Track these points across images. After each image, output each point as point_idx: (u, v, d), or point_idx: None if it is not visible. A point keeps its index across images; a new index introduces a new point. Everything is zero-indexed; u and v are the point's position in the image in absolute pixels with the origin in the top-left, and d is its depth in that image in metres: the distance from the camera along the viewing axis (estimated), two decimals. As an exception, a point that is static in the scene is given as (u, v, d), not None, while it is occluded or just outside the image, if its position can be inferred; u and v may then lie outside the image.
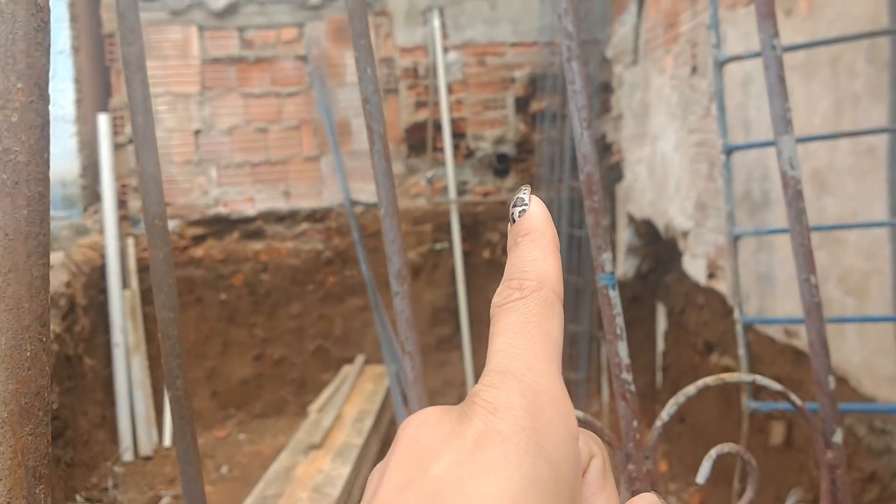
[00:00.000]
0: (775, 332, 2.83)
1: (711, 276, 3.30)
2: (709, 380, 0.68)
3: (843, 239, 2.32)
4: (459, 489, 0.26)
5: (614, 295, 0.70)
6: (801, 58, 2.34)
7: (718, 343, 3.52)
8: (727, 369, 3.44)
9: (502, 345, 0.31)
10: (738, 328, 1.91)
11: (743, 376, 0.68)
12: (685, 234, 3.46)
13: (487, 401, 0.29)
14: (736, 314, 1.94)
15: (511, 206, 0.36)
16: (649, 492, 0.34)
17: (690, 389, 0.68)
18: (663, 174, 3.68)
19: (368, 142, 0.66)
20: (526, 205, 0.35)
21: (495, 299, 0.33)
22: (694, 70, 3.24)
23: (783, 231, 1.66)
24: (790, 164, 0.73)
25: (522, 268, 0.33)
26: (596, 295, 4.73)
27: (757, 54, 1.35)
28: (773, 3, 0.75)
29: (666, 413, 0.68)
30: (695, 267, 3.41)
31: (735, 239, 1.78)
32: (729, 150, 1.45)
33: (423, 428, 0.30)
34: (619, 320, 0.69)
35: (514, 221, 0.35)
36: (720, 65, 1.32)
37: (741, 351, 1.93)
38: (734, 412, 3.43)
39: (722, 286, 3.21)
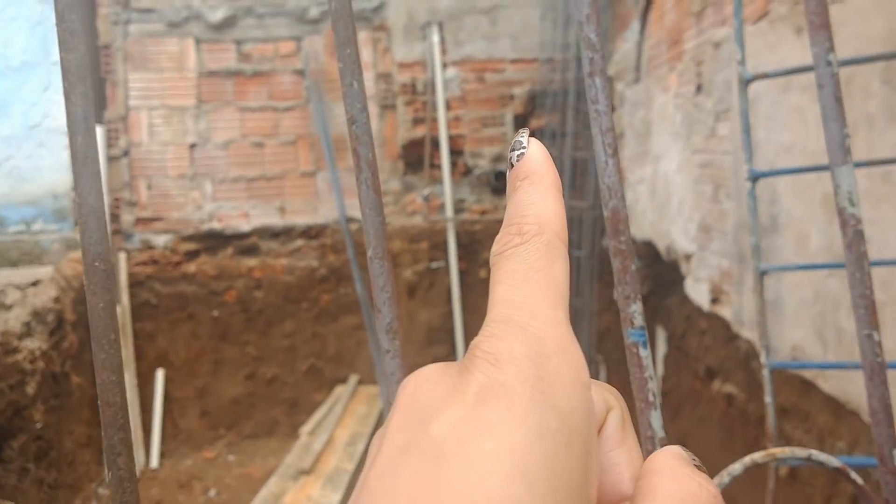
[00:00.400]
0: (782, 360, 2.71)
1: (715, 300, 3.18)
2: (756, 457, 0.57)
3: (857, 266, 2.20)
4: (462, 447, 0.25)
5: (646, 354, 0.58)
6: (811, 78, 2.24)
7: (720, 370, 3.40)
8: (729, 397, 3.33)
9: (503, 293, 0.29)
10: (765, 373, 1.78)
11: (797, 451, 0.57)
12: (688, 257, 3.35)
13: (488, 352, 0.27)
14: (763, 358, 1.82)
15: (509, 150, 0.34)
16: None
17: (736, 468, 0.56)
18: (665, 195, 3.57)
19: (355, 168, 0.55)
20: (524, 148, 0.34)
21: (494, 247, 0.32)
22: (699, 88, 3.14)
23: (821, 267, 1.54)
24: (850, 200, 0.61)
25: (522, 212, 0.32)
26: (595, 318, 4.64)
27: (796, 70, 1.24)
28: (827, 13, 0.63)
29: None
30: (698, 291, 3.30)
31: (762, 275, 1.65)
32: (755, 177, 1.33)
33: (422, 386, 0.28)
34: (652, 385, 0.58)
35: (512, 166, 0.34)
36: (746, 83, 1.21)
37: (768, 398, 1.80)
38: (736, 443, 3.31)
39: (726, 312, 3.10)
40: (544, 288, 0.29)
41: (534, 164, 0.33)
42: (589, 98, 0.60)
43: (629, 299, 0.59)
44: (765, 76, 1.25)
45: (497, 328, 0.28)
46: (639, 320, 0.59)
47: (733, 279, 2.97)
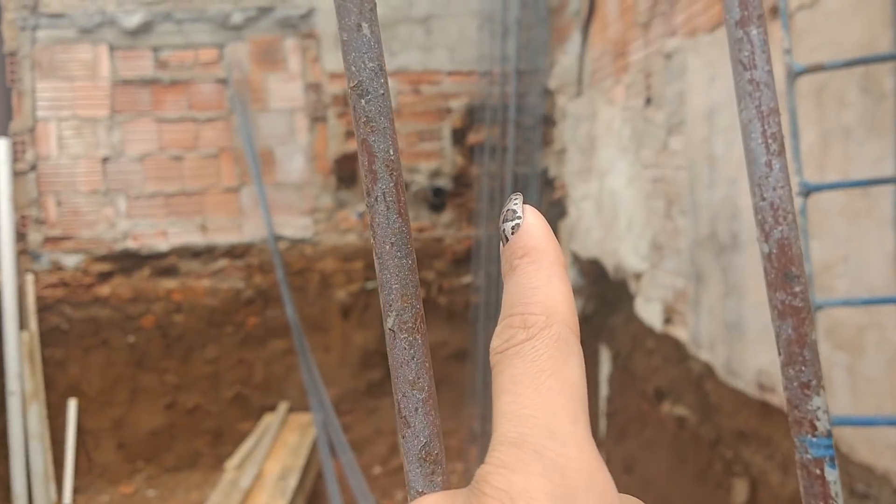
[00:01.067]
0: (746, 385, 2.56)
1: (668, 321, 3.03)
2: None
3: (830, 287, 2.06)
4: None
5: (833, 477, 0.36)
6: (780, 87, 2.09)
7: (670, 391, 3.26)
8: (680, 419, 3.19)
9: (511, 405, 0.25)
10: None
11: None
12: (638, 276, 3.19)
13: (501, 489, 0.23)
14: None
15: (501, 220, 0.29)
16: None
17: None
18: (612, 211, 3.41)
19: (366, 175, 0.32)
20: (520, 218, 0.29)
21: (494, 343, 0.27)
22: (648, 101, 3.00)
23: (886, 302, 1.33)
24: None
25: (524, 299, 0.27)
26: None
27: (861, 61, 1.05)
28: None
29: None
30: (648, 311, 3.14)
31: (815, 310, 1.42)
32: (808, 191, 1.14)
33: None
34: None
35: (506, 240, 0.29)
36: (795, 76, 1.01)
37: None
38: (688, 467, 3.17)
39: (680, 332, 2.94)
40: (560, 395, 0.25)
41: (533, 237, 0.28)
42: (737, 60, 0.37)
43: (808, 389, 0.37)
44: (820, 68, 1.06)
45: (508, 455, 0.24)
46: (823, 423, 0.37)
47: (688, 299, 2.82)
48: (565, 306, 0.27)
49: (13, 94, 4.54)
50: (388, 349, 0.33)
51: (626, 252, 3.31)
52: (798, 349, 0.36)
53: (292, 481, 3.66)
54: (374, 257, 0.32)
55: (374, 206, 0.31)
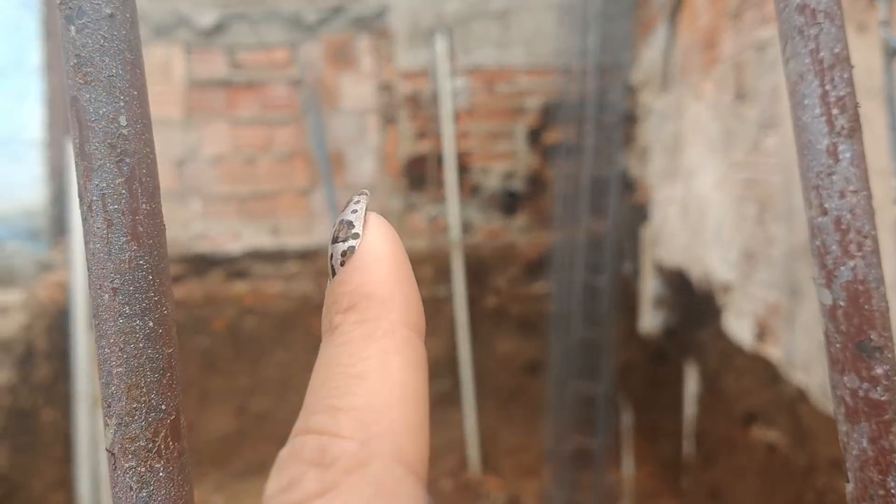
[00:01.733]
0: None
1: (760, 338, 2.79)
2: None
3: None
4: None
5: None
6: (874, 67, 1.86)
7: (762, 414, 3.02)
8: (771, 446, 2.94)
9: None
10: None
11: None
12: (727, 288, 2.96)
13: None
14: None
15: (331, 238, 0.20)
16: None
17: None
18: (699, 216, 3.19)
19: (80, 193, 0.16)
20: (357, 236, 0.19)
21: (269, 488, 0.18)
22: (739, 96, 2.77)
23: None
24: None
25: (333, 400, 0.18)
26: (616, 351, 4.24)
27: None
28: None
29: None
30: (739, 326, 2.91)
31: None
32: None
33: None
34: None
35: (333, 273, 0.20)
36: (894, 53, 0.83)
37: None
38: (778, 496, 2.93)
39: (772, 351, 2.71)
40: None
41: (371, 275, 0.19)
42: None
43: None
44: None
45: None
46: None
47: (782, 315, 2.59)
48: (402, 419, 0.17)
49: (91, 96, 4.65)
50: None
51: (713, 261, 3.08)
52: (879, 475, 0.21)
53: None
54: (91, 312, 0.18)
55: (88, 220, 0.18)
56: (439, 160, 4.64)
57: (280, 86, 4.72)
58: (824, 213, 0.20)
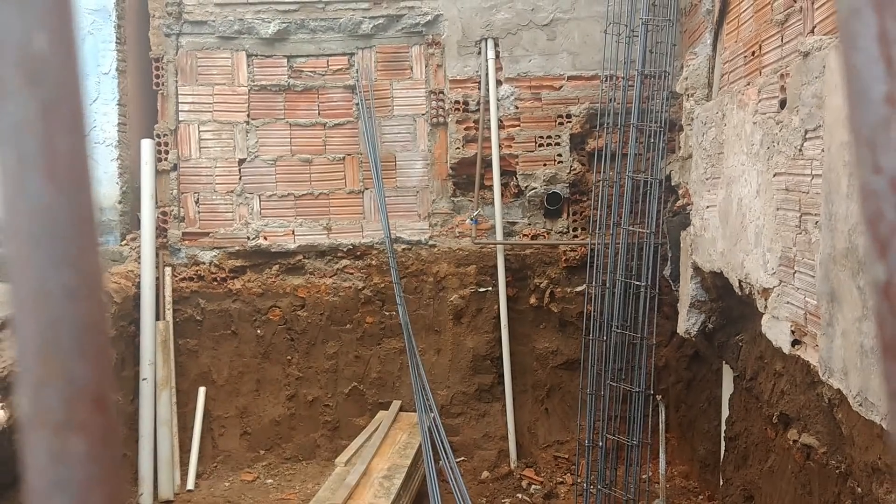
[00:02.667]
0: (881, 417, 2.20)
1: (797, 343, 2.68)
2: None
3: None
4: None
5: None
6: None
7: (798, 418, 2.89)
8: (807, 449, 2.82)
9: None
10: None
11: None
12: (765, 292, 2.85)
13: None
14: None
15: None
16: None
17: None
18: (740, 222, 3.08)
19: None
20: None
21: None
22: (783, 104, 2.66)
23: None
24: None
25: None
26: (652, 351, 4.14)
27: None
28: None
29: None
30: (776, 331, 2.80)
31: None
32: None
33: None
34: None
35: None
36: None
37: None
38: (814, 500, 2.81)
39: (810, 356, 2.60)
40: None
41: None
42: None
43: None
44: None
45: None
46: None
47: (821, 320, 2.47)
48: None
49: (158, 97, 4.70)
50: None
51: (752, 265, 2.97)
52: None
53: (397, 481, 3.54)
54: None
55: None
56: (485, 164, 4.59)
57: (336, 91, 4.73)
58: (879, 171, 0.15)
